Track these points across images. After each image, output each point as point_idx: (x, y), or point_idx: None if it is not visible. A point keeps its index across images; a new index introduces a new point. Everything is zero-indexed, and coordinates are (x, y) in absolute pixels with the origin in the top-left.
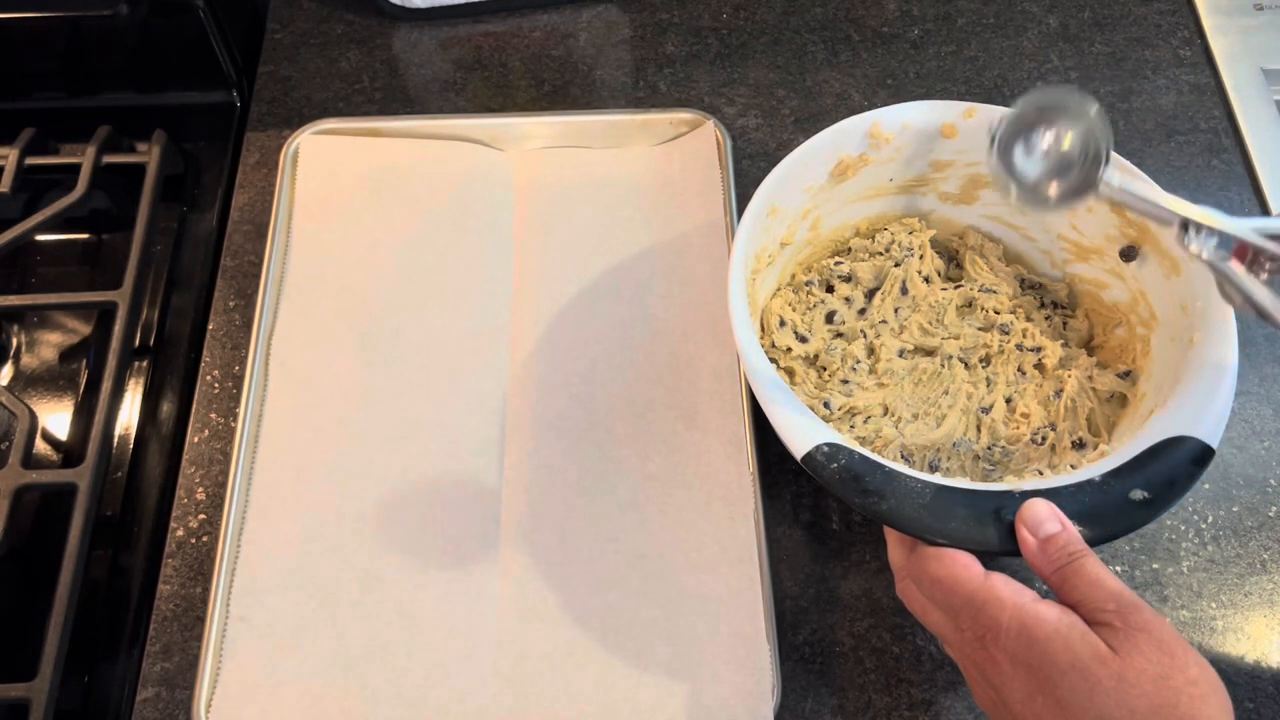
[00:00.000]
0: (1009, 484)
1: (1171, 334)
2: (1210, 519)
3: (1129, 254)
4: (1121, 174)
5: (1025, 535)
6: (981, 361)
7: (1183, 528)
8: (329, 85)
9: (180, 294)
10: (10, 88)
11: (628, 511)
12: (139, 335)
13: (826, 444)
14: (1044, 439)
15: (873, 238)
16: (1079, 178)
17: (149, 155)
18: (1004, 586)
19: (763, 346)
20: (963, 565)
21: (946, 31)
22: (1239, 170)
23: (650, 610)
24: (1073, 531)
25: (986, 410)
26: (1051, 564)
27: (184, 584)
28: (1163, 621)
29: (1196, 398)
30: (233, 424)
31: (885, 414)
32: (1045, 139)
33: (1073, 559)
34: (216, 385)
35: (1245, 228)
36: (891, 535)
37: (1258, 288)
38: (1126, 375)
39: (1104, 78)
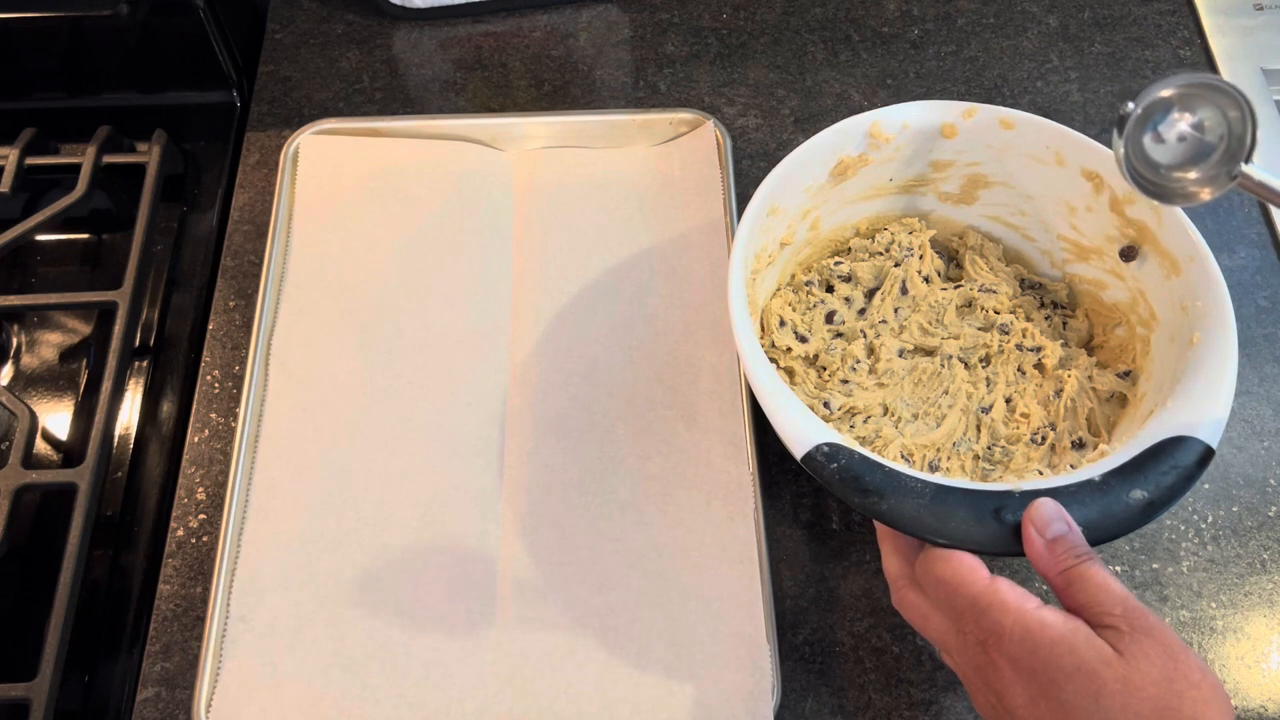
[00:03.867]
0: (1009, 484)
1: (1171, 334)
2: (1210, 519)
3: (1129, 254)
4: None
5: (1032, 535)
6: (981, 361)
7: (1183, 528)
8: (329, 85)
9: (180, 294)
10: (10, 88)
11: (628, 511)
12: (139, 335)
13: (826, 444)
14: (1044, 439)
15: (873, 238)
16: (1217, 167)
17: (149, 155)
18: (1009, 591)
19: (763, 346)
20: (969, 567)
21: (946, 31)
22: None
23: (650, 610)
24: (1079, 534)
25: (986, 410)
26: (1058, 565)
27: (184, 584)
28: (1165, 626)
29: (1196, 398)
30: (233, 424)
31: (885, 414)
32: (1183, 124)
33: (1079, 561)
34: (216, 385)
35: None
36: (886, 544)
37: None
38: (1126, 375)
39: (1104, 78)
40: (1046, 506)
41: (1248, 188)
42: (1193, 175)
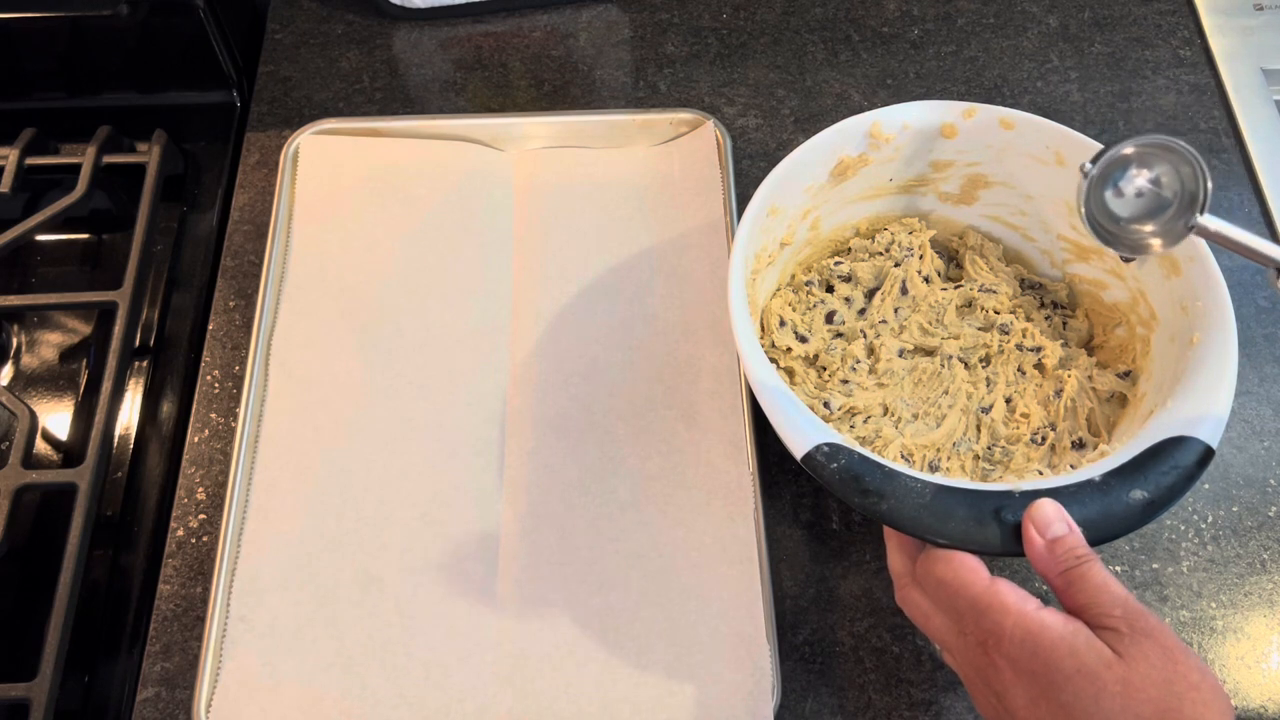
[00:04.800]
0: (1009, 484)
1: (1171, 334)
2: (1210, 519)
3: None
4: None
5: (1033, 535)
6: (981, 361)
7: (1183, 528)
8: (329, 85)
9: (180, 294)
10: (10, 88)
11: (628, 511)
12: (139, 335)
13: (826, 444)
14: (1044, 439)
15: (873, 238)
16: (1173, 220)
17: (149, 155)
18: (1009, 593)
19: (763, 346)
20: (969, 568)
21: (946, 31)
22: (1239, 170)
23: (650, 610)
24: (1079, 535)
25: (986, 410)
26: (1058, 565)
27: (184, 584)
28: (1165, 627)
29: (1196, 398)
30: (233, 424)
31: (885, 414)
32: (1140, 180)
33: (1080, 562)
34: (216, 385)
35: None
36: (891, 541)
37: None
38: (1126, 375)
39: (1104, 78)
40: (1046, 507)
41: (1206, 236)
42: (1149, 228)
